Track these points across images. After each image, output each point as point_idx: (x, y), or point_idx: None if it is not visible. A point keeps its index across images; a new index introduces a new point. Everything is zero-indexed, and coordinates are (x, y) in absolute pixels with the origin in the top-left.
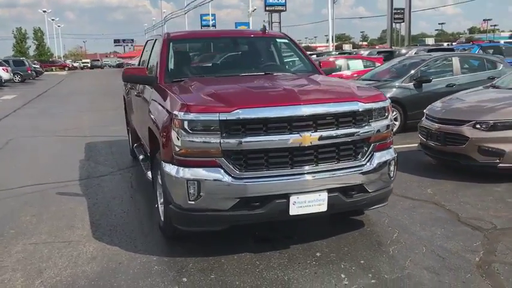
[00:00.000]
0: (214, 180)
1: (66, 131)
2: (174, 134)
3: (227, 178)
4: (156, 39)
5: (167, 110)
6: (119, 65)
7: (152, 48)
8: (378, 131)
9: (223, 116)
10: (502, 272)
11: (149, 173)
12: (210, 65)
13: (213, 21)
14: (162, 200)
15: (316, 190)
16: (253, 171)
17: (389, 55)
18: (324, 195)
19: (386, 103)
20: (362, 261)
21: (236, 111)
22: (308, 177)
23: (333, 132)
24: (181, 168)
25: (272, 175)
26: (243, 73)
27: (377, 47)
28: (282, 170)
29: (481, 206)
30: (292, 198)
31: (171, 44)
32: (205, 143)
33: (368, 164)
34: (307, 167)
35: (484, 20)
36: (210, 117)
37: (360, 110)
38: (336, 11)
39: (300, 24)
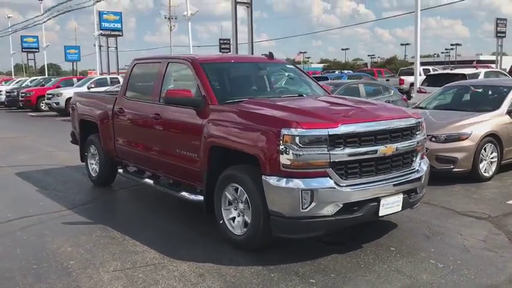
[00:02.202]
0: (326, 188)
1: None
2: (282, 149)
3: (336, 186)
4: (168, 62)
5: (267, 128)
6: None
7: (165, 72)
8: (421, 142)
9: (332, 131)
10: None
11: (184, 193)
12: (250, 87)
13: (35, 43)
14: (231, 215)
15: (396, 193)
16: (351, 179)
17: None
18: (401, 197)
19: (423, 119)
20: (432, 249)
21: (340, 126)
22: (390, 182)
23: (403, 143)
24: (293, 179)
25: (365, 182)
26: (283, 95)
27: None
28: (370, 177)
29: (460, 202)
30: (382, 201)
31: (204, 67)
32: (315, 155)
33: (419, 169)
34: (387, 174)
35: (299, 52)
36: (321, 133)
37: (414, 124)
38: (165, 38)
39: (136, 50)
